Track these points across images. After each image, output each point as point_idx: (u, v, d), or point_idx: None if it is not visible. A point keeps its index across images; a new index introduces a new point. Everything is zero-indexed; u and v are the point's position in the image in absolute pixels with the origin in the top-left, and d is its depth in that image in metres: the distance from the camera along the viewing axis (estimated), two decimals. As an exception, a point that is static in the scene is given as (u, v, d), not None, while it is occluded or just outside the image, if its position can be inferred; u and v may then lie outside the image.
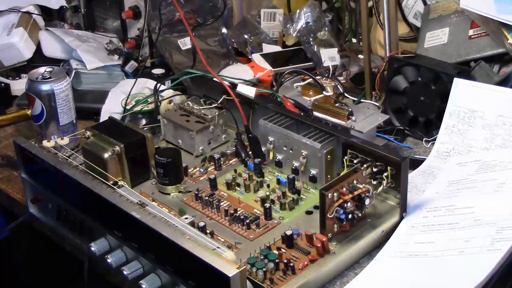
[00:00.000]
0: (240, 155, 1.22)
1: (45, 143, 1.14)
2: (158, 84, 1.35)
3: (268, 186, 1.14)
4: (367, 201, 1.01)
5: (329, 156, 1.11)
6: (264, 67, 1.51)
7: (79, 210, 1.06)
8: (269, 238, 1.01)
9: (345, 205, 0.98)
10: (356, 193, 0.99)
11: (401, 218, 1.06)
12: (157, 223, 0.91)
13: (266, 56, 1.58)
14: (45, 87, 1.28)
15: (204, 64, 1.32)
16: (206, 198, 1.11)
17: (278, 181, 1.14)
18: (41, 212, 1.17)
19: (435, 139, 1.27)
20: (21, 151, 1.13)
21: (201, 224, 1.01)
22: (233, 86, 1.28)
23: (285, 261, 0.95)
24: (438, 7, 1.46)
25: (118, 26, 1.66)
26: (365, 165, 1.04)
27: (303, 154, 1.12)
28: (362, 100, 1.41)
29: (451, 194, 1.09)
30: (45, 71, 1.30)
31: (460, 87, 1.25)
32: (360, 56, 1.51)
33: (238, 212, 1.07)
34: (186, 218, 1.01)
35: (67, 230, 1.11)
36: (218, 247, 0.89)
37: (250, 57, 1.60)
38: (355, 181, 1.01)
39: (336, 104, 1.25)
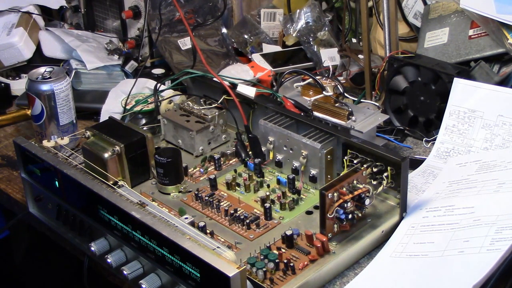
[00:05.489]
0: (240, 155, 1.22)
1: (45, 143, 1.14)
2: (158, 84, 1.35)
3: (268, 186, 1.14)
4: (367, 201, 1.01)
5: (329, 156, 1.11)
6: (264, 67, 1.51)
7: (79, 210, 1.06)
8: (269, 238, 1.01)
9: (345, 205, 0.98)
10: (356, 193, 0.99)
11: (401, 218, 1.06)
12: (157, 223, 0.91)
13: (266, 56, 1.58)
14: (45, 87, 1.28)
15: (204, 64, 1.32)
16: (206, 198, 1.11)
17: (278, 181, 1.14)
18: (41, 212, 1.17)
19: (435, 139, 1.27)
20: (21, 151, 1.13)
21: (201, 224, 1.01)
22: (233, 86, 1.28)
23: (285, 261, 0.95)
24: (438, 7, 1.46)
25: (118, 26, 1.66)
26: (365, 165, 1.05)
27: (303, 154, 1.12)
28: (362, 100, 1.41)
29: (451, 194, 1.09)
30: (45, 71, 1.30)
31: (460, 87, 1.25)
32: (360, 56, 1.51)
33: (238, 212, 1.07)
34: (186, 218, 1.01)
35: (67, 230, 1.11)
36: (218, 247, 0.89)
37: (250, 57, 1.60)
38: (355, 181, 1.01)
39: (336, 104, 1.26)
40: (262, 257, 0.96)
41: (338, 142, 1.11)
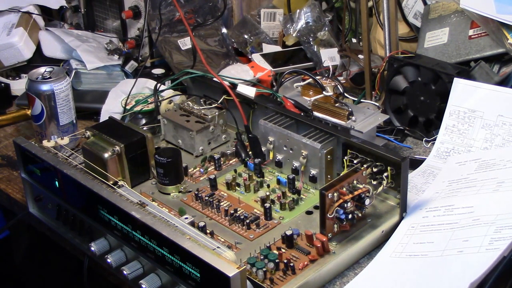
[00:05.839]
0: (240, 155, 1.22)
1: (45, 143, 1.15)
2: (158, 84, 1.35)
3: (268, 186, 1.14)
4: (367, 201, 1.01)
5: (329, 156, 1.11)
6: (264, 67, 1.51)
7: (79, 210, 1.06)
8: (269, 238, 1.01)
9: (345, 205, 0.98)
10: (356, 193, 0.99)
11: (401, 218, 1.06)
12: (157, 223, 0.91)
13: (266, 56, 1.58)
14: (45, 87, 1.28)
15: (204, 64, 1.32)
16: (206, 198, 1.11)
17: (278, 181, 1.14)
18: (41, 212, 1.17)
19: (435, 139, 1.27)
20: (21, 151, 1.13)
21: (201, 224, 1.01)
22: (233, 86, 1.28)
23: (285, 261, 0.95)
24: (438, 7, 1.46)
25: (118, 26, 1.66)
26: (365, 165, 1.05)
27: (303, 154, 1.12)
28: (362, 100, 1.41)
29: (450, 194, 1.09)
30: (45, 71, 1.30)
31: (460, 87, 1.25)
32: (360, 56, 1.51)
33: (238, 212, 1.07)
34: (186, 218, 1.01)
35: (67, 230, 1.11)
36: (218, 247, 0.89)
37: (250, 57, 1.60)
38: (355, 181, 1.01)
39: (336, 104, 1.25)
40: (262, 257, 0.96)
41: (338, 142, 1.11)
